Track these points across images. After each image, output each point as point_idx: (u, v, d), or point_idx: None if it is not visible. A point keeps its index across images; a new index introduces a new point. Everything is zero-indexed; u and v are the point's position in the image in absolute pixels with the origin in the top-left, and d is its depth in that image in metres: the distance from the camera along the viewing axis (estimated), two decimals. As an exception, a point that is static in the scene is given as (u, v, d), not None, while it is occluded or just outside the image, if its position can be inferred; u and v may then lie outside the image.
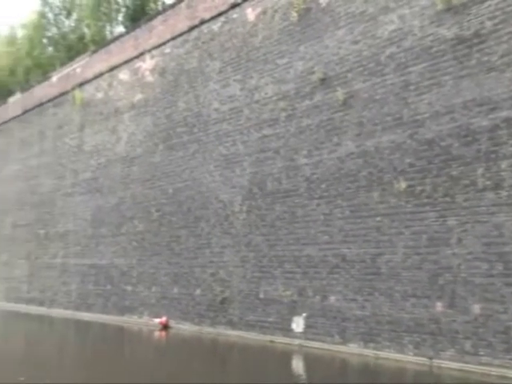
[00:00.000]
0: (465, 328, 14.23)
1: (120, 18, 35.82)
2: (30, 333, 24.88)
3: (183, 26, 25.16)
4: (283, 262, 19.11)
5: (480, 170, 14.52)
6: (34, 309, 31.64)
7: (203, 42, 24.12)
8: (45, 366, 15.40)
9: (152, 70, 26.95)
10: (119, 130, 28.51)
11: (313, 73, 19.13)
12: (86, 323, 26.40)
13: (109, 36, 34.54)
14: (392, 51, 16.97)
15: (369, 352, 16.01)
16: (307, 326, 17.90)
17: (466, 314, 14.25)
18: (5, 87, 43.36)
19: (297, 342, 17.93)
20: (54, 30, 40.29)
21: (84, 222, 29.88)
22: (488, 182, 14.32)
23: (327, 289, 17.57)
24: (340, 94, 18.10)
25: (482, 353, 13.82)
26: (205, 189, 22.80)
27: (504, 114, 14.29)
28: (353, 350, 16.43)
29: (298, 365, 16.58)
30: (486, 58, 14.82)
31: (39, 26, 40.45)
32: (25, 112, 37.80)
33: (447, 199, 15.06)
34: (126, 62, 28.57)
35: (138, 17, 32.10)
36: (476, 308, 14.11)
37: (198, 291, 22.25)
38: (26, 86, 39.30)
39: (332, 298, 17.38)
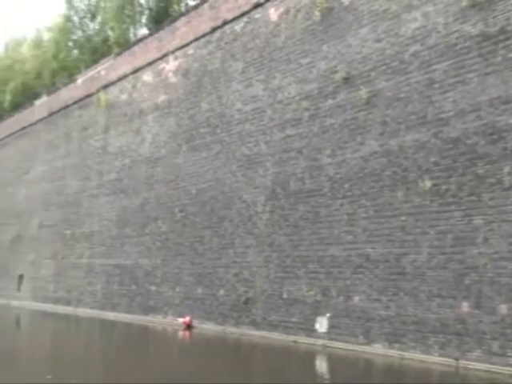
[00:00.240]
0: (492, 328, 14.01)
1: (143, 20, 36.14)
2: (57, 332, 25.24)
3: (206, 26, 25.28)
4: (307, 262, 19.06)
5: (506, 169, 14.30)
6: (60, 308, 32.07)
7: (226, 43, 24.20)
8: (72, 364, 15.59)
9: (175, 72, 27.13)
10: (143, 131, 28.76)
11: (336, 72, 19.06)
12: (111, 323, 26.67)
13: (132, 38, 34.85)
14: (416, 49, 16.81)
15: (394, 353, 15.87)
16: (331, 327, 17.82)
17: (493, 315, 14.04)
18: (31, 90, 44.06)
19: (320, 342, 17.86)
20: (79, 33, 40.82)
21: (109, 222, 30.20)
22: (515, 181, 14.10)
23: (351, 289, 17.46)
24: (363, 92, 17.99)
25: (509, 354, 13.59)
26: (228, 189, 22.86)
27: (531, 111, 14.06)
28: (377, 350, 16.30)
29: (321, 365, 16.51)
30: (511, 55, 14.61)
31: (65, 29, 41.01)
32: (51, 114, 38.37)
33: (473, 198, 14.86)
34: (150, 63, 28.82)
35: (161, 19, 32.33)
36: (503, 308, 13.89)
37: (221, 291, 22.31)
38: (52, 89, 39.88)
39: (356, 298, 17.27)
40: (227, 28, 24.15)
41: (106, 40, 37.71)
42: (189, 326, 22.96)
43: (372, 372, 15.34)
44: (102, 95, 32.22)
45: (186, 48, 26.47)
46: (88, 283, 30.97)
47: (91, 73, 34.39)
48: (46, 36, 45.78)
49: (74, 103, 35.49)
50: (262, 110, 21.79)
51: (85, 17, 40.75)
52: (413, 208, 16.18)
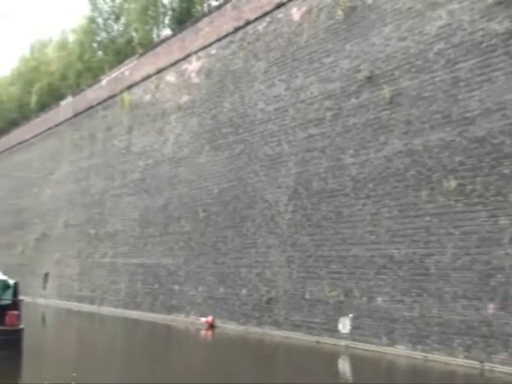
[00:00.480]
0: (518, 331, 13.77)
1: (167, 20, 36.30)
2: (81, 330, 25.52)
3: (229, 27, 25.32)
4: (329, 263, 18.96)
5: (534, 168, 14.04)
6: (84, 306, 32.43)
7: (248, 43, 24.21)
8: (96, 362, 15.72)
9: (198, 72, 27.23)
10: (166, 131, 28.92)
11: (359, 71, 18.93)
12: (134, 321, 26.89)
13: (156, 39, 35.03)
14: (440, 47, 16.61)
15: (417, 354, 15.70)
16: (354, 327, 17.70)
17: (520, 317, 13.80)
18: (57, 91, 44.59)
19: (343, 343, 17.76)
20: (103, 35, 41.17)
21: (132, 222, 30.44)
22: (542, 181, 13.84)
23: (374, 289, 17.33)
24: (387, 91, 17.84)
25: (536, 357, 13.35)
26: (250, 189, 22.87)
27: (559, 109, 13.79)
28: (400, 351, 16.15)
29: (345, 366, 16.42)
30: (539, 52, 14.34)
31: (89, 30, 41.42)
32: (76, 115, 38.82)
33: (499, 198, 14.62)
34: (173, 64, 28.98)
35: (184, 19, 32.45)
36: (530, 311, 13.65)
37: (243, 291, 22.32)
38: (77, 90, 40.34)
39: (379, 299, 17.13)
40: (250, 28, 24.16)
41: (129, 41, 37.99)
42: (211, 326, 23.02)
43: (395, 373, 15.20)
44: (126, 96, 32.50)
45: (209, 48, 26.55)
46: (111, 282, 31.27)
47: (115, 73, 34.71)
48: (71, 37, 46.32)
49: (99, 104, 35.86)
50: (285, 110, 21.75)
51: (109, 18, 41.11)
52: (437, 208, 15.99)
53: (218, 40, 25.97)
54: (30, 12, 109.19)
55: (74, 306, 33.42)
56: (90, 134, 36.62)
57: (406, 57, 17.52)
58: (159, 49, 30.64)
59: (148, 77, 30.96)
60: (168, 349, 19.42)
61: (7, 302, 15.68)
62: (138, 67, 32.24)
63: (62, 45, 47.10)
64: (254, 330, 21.18)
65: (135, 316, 27.67)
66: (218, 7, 26.98)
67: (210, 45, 26.51)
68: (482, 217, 14.91)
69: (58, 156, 40.52)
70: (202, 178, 25.77)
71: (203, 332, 22.53)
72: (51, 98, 44.68)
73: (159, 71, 30.04)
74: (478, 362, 14.34)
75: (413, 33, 17.44)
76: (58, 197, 39.31)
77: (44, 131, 43.21)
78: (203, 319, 23.53)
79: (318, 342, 18.48)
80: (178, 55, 28.69)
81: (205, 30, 26.95)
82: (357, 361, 16.43)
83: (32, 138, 45.05)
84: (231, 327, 22.32)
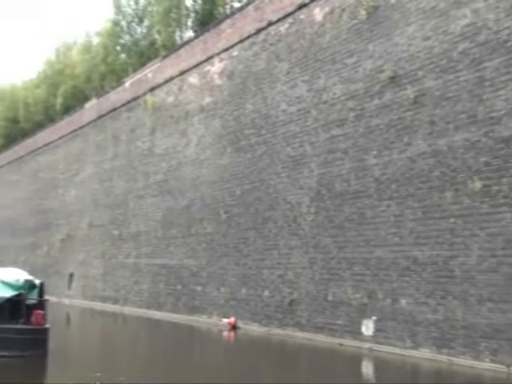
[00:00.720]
0: (546, 335, 13.51)
1: (189, 23, 36.44)
2: (106, 330, 25.78)
3: (251, 28, 25.35)
4: (352, 264, 18.84)
5: (562, 169, 13.76)
6: (108, 306, 32.73)
7: (271, 44, 24.20)
8: (120, 362, 15.84)
9: (220, 73, 27.30)
10: (189, 132, 29.06)
11: (382, 71, 18.78)
12: (157, 322, 27.05)
13: (179, 41, 35.21)
14: (465, 47, 16.38)
15: (442, 358, 15.49)
16: (377, 330, 17.55)
17: (548, 321, 13.53)
18: (81, 93, 45.13)
19: (366, 345, 17.62)
20: (126, 37, 41.51)
21: (155, 223, 30.64)
22: None
23: (398, 292, 17.16)
24: (410, 92, 17.66)
25: None
26: (272, 190, 22.84)
27: None
28: (425, 355, 15.95)
29: (368, 369, 16.28)
30: None
31: (113, 33, 41.81)
32: (100, 117, 39.24)
33: (526, 200, 14.37)
34: (195, 65, 29.11)
35: (206, 21, 32.56)
36: (558, 314, 13.37)
37: (266, 292, 22.30)
38: (101, 92, 40.77)
39: (403, 302, 16.95)
40: (272, 29, 24.15)
41: (152, 43, 38.24)
42: (234, 327, 23.04)
43: (420, 377, 15.03)
44: (149, 97, 32.74)
45: (231, 50, 26.61)
46: (135, 282, 31.51)
47: (138, 76, 35.01)
48: (95, 40, 46.81)
49: (122, 106, 36.19)
50: (307, 111, 21.68)
51: (132, 21, 41.46)
52: (462, 209, 15.77)
53: (241, 41, 26.01)
54: (55, 15, 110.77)
55: (98, 306, 33.76)
56: (113, 136, 36.99)
57: (430, 56, 17.33)
58: (182, 51, 30.81)
59: (171, 79, 31.14)
60: (191, 350, 19.49)
61: (33, 301, 15.89)
62: (161, 69, 32.45)
63: (87, 48, 47.63)
64: (277, 332, 21.14)
65: (158, 316, 27.84)
66: (240, 9, 27.04)
67: (232, 46, 26.57)
68: (507, 218, 14.66)
69: (83, 157, 41.00)
70: (225, 180, 25.83)
71: (225, 333, 22.56)
72: (76, 100, 45.26)
73: (182, 73, 30.20)
74: (504, 366, 14.09)
75: (437, 32, 17.24)
76: (83, 198, 39.77)
77: (69, 133, 43.78)
78: (225, 320, 23.57)
79: (340, 345, 18.37)
80: (200, 57, 28.82)
81: (227, 32, 27.02)
82: (380, 363, 16.29)
83: (57, 139, 45.67)
84: (253, 328, 22.31)
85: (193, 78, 29.36)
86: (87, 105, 41.80)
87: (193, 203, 27.80)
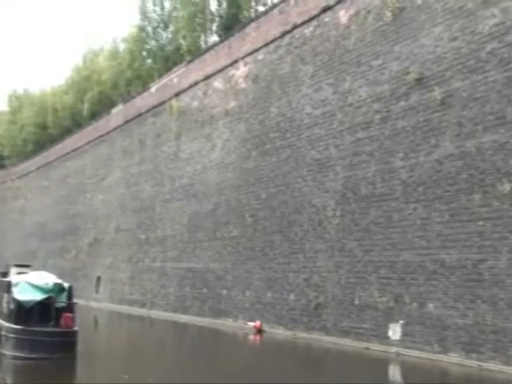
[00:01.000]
0: None
1: (214, 27, 36.64)
2: (133, 333, 25.97)
3: (276, 31, 25.37)
4: (379, 268, 18.66)
5: None
6: (135, 310, 32.99)
7: (295, 47, 24.18)
8: (147, 365, 15.90)
9: (245, 77, 27.37)
10: (214, 137, 29.17)
11: (408, 73, 18.61)
12: (183, 325, 27.16)
13: (203, 46, 35.42)
14: (493, 47, 16.14)
15: (471, 363, 15.23)
16: (404, 334, 17.34)
17: None
18: (108, 99, 45.68)
19: (393, 349, 17.42)
20: (152, 43, 41.90)
21: (181, 227, 30.81)
22: None
23: (425, 296, 16.93)
24: (437, 93, 17.46)
25: None
26: (298, 193, 22.78)
27: None
28: (453, 359, 15.70)
29: (395, 374, 16.09)
30: None
31: (139, 39, 42.25)
32: (126, 122, 39.66)
33: (557, 202, 14.07)
34: (220, 70, 29.24)
35: (231, 25, 32.69)
36: None
37: (291, 296, 22.23)
38: (127, 98, 41.21)
39: (430, 306, 16.72)
40: (297, 32, 24.13)
41: (178, 48, 38.51)
42: (259, 331, 23.00)
43: (449, 382, 14.77)
44: (175, 102, 32.98)
45: (256, 54, 26.67)
46: (161, 286, 31.70)
47: (164, 81, 35.31)
48: (122, 46, 47.36)
49: (148, 111, 36.53)
50: (332, 114, 21.59)
51: (158, 26, 41.85)
52: (491, 212, 15.51)
53: (265, 45, 26.05)
54: (83, 23, 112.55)
55: (125, 309, 34.04)
56: (139, 141, 37.34)
57: (458, 57, 17.12)
58: (207, 55, 30.99)
59: (196, 83, 31.34)
60: (217, 353, 19.51)
61: (62, 304, 16.08)
62: (186, 74, 32.68)
63: (113, 54, 48.22)
64: (302, 336, 21.04)
65: (184, 320, 27.95)
66: (265, 12, 27.10)
67: (257, 50, 26.63)
68: (538, 221, 14.38)
69: (110, 162, 41.48)
70: (250, 183, 25.85)
71: (251, 337, 22.54)
72: (102, 106, 45.84)
73: (207, 77, 30.37)
74: (535, 372, 13.81)
75: (464, 32, 17.02)
76: (110, 202, 40.21)
77: (96, 138, 44.35)
78: (251, 324, 23.55)
79: (367, 349, 18.20)
80: (225, 61, 28.94)
81: (252, 36, 27.09)
82: (408, 368, 16.09)
83: (85, 145, 46.30)
84: (279, 332, 22.24)
85: (218, 83, 29.49)
86: (114, 110, 42.29)
87: (218, 207, 27.88)
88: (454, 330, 15.91)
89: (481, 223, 15.72)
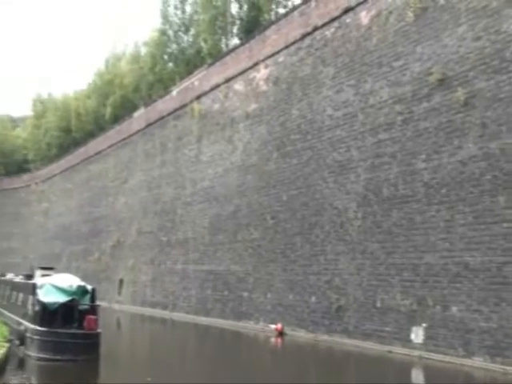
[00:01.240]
0: None
1: (235, 30, 36.82)
2: (156, 335, 26.12)
3: (296, 33, 25.34)
4: (401, 270, 18.49)
5: None
6: (157, 312, 33.17)
7: (316, 49, 24.11)
8: (170, 367, 15.95)
9: (266, 80, 27.37)
10: (235, 139, 29.23)
11: (430, 74, 18.42)
12: (205, 327, 27.22)
13: (224, 49, 35.57)
14: (518, 46, 15.90)
15: (496, 367, 14.98)
16: (427, 337, 17.14)
17: None
18: (130, 102, 46.11)
19: (416, 353, 17.22)
20: (173, 46, 42.24)
21: (202, 229, 30.90)
22: None
23: (448, 298, 16.72)
24: (461, 94, 17.25)
25: None
26: (319, 195, 22.70)
27: None
28: (477, 363, 15.46)
29: (419, 377, 15.91)
30: None
31: (160, 43, 42.63)
32: (148, 125, 39.97)
33: None
34: (241, 72, 29.29)
35: (252, 28, 32.76)
36: None
37: (313, 299, 22.14)
38: (148, 101, 41.53)
39: (454, 309, 16.50)
40: (317, 34, 24.07)
41: (199, 51, 38.77)
42: (280, 333, 22.94)
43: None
44: (196, 105, 33.14)
45: (277, 56, 26.66)
46: (183, 288, 31.83)
47: (185, 84, 35.49)
48: (143, 50, 47.82)
49: (169, 114, 36.76)
50: (354, 115, 21.47)
51: (179, 30, 42.15)
52: (516, 214, 15.26)
53: (286, 47, 26.03)
54: (104, 28, 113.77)
55: (147, 311, 34.26)
56: (161, 144, 37.59)
57: (481, 57, 16.89)
58: (228, 58, 31.08)
59: (217, 86, 31.44)
60: (239, 355, 19.50)
61: (85, 306, 16.24)
62: (207, 77, 32.81)
63: (135, 58, 48.70)
64: (323, 338, 20.93)
65: (206, 322, 28.01)
66: (286, 14, 27.08)
67: (277, 52, 26.62)
68: None
69: (132, 165, 41.81)
70: (271, 185, 25.83)
71: (273, 339, 22.49)
72: (125, 109, 46.30)
73: (228, 80, 30.45)
74: None
75: (488, 32, 16.80)
76: (132, 205, 40.52)
77: (118, 142, 44.76)
78: (272, 326, 23.50)
79: (389, 352, 18.02)
80: (245, 64, 28.99)
81: (272, 38, 27.10)
82: (432, 372, 15.89)
83: (107, 148, 46.76)
84: (300, 335, 22.16)
85: (238, 85, 29.54)
86: (135, 114, 42.65)
87: (239, 209, 27.91)
88: (478, 333, 15.67)
89: (505, 225, 15.48)
